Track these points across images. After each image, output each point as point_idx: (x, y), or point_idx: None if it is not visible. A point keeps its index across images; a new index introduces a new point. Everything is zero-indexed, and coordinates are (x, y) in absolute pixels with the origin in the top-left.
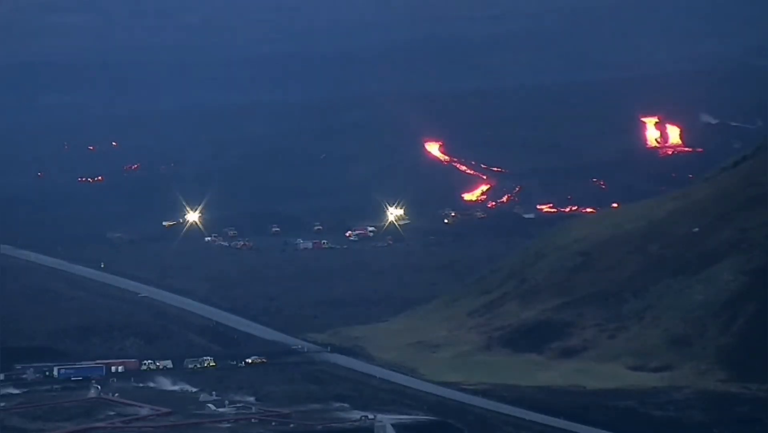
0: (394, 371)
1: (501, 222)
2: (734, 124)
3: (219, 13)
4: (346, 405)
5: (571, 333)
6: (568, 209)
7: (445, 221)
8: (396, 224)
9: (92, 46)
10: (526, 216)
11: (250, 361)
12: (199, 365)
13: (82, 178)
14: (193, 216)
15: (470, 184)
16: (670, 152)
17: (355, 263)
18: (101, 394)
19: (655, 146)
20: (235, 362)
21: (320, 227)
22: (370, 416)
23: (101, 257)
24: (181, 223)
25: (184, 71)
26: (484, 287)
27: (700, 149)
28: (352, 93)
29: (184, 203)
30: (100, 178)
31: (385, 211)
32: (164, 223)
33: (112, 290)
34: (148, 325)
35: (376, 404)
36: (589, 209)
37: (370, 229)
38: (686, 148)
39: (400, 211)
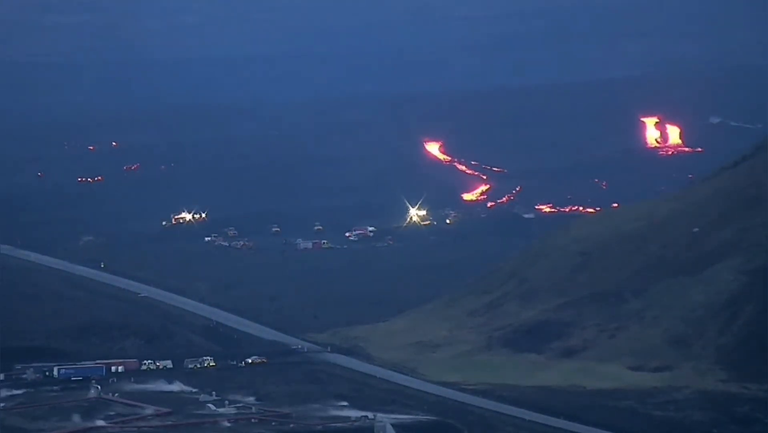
0: (394, 371)
1: (501, 222)
2: (734, 124)
3: (218, 13)
4: (346, 405)
5: (571, 333)
6: (568, 209)
7: (447, 221)
8: (419, 224)
9: (92, 46)
10: (526, 216)
11: (250, 361)
12: (199, 365)
13: (82, 178)
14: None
15: (470, 184)
16: (670, 152)
17: (355, 263)
18: (101, 394)
19: (655, 146)
20: (235, 362)
21: (320, 227)
22: (370, 416)
23: (101, 257)
24: (182, 223)
25: (183, 71)
26: (484, 287)
27: (700, 149)
28: (352, 93)
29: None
30: (100, 178)
31: (404, 212)
32: (164, 223)
33: (112, 290)
34: (148, 325)
35: (376, 404)
36: (589, 209)
37: (370, 229)
38: (686, 148)
39: (422, 212)
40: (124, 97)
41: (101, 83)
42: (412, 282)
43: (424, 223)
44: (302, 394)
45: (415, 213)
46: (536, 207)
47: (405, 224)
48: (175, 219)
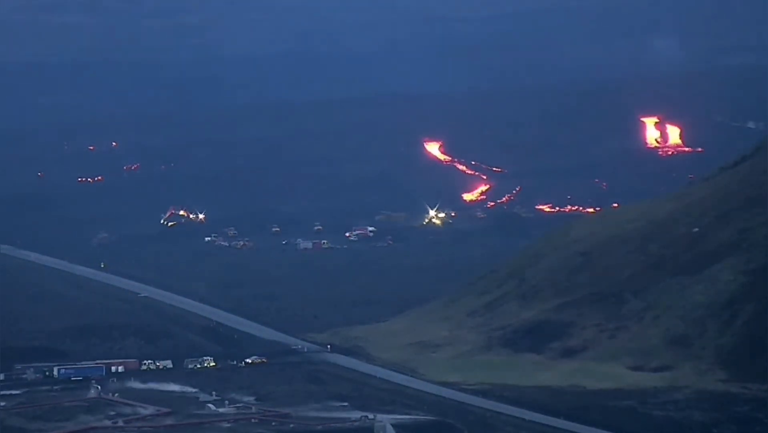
0: (394, 371)
1: (501, 222)
2: (734, 124)
3: (219, 13)
4: (346, 405)
5: (571, 333)
6: (568, 209)
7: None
8: (440, 223)
9: (92, 46)
10: (526, 216)
11: (250, 361)
12: (199, 365)
13: (82, 178)
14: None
15: (470, 184)
16: (670, 152)
17: (355, 263)
18: (101, 394)
19: (655, 146)
20: (235, 362)
21: (320, 227)
22: (370, 416)
23: (100, 257)
24: (183, 222)
25: (184, 71)
26: (484, 287)
27: (700, 149)
28: (352, 93)
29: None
30: (100, 178)
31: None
32: (163, 222)
33: (112, 290)
34: (148, 325)
35: (376, 404)
36: (589, 209)
37: (370, 229)
38: (686, 148)
39: (442, 214)
40: (124, 97)
41: (101, 83)
42: (412, 282)
43: (448, 221)
44: (302, 394)
45: (434, 213)
46: (536, 207)
47: (424, 223)
48: (172, 212)
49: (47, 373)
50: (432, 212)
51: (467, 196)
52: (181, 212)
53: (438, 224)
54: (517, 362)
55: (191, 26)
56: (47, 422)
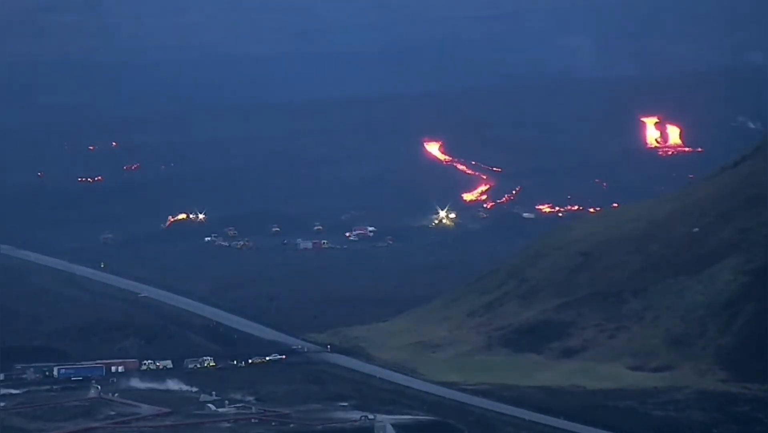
0: (394, 371)
1: (501, 222)
2: (734, 124)
3: (220, 13)
4: (346, 405)
5: (571, 333)
6: (567, 209)
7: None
8: (450, 224)
9: (92, 46)
10: (526, 216)
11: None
12: (199, 365)
13: (82, 178)
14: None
15: (470, 184)
16: (670, 152)
17: (355, 263)
18: (101, 394)
19: (655, 146)
20: (235, 362)
21: (320, 227)
22: (370, 416)
23: (101, 257)
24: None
25: (184, 71)
26: (484, 287)
27: (700, 149)
28: (352, 93)
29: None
30: (100, 178)
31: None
32: (163, 225)
33: (112, 290)
34: (148, 325)
35: (376, 404)
36: (589, 209)
37: (370, 229)
38: (686, 148)
39: (452, 215)
40: (124, 97)
41: (101, 83)
42: (412, 282)
43: (456, 222)
44: (302, 394)
45: (444, 214)
46: (536, 207)
47: (434, 224)
48: (171, 222)
49: (47, 373)
50: (442, 213)
51: (467, 196)
52: (180, 216)
53: (449, 225)
54: (517, 362)
55: (191, 26)
56: (47, 422)
